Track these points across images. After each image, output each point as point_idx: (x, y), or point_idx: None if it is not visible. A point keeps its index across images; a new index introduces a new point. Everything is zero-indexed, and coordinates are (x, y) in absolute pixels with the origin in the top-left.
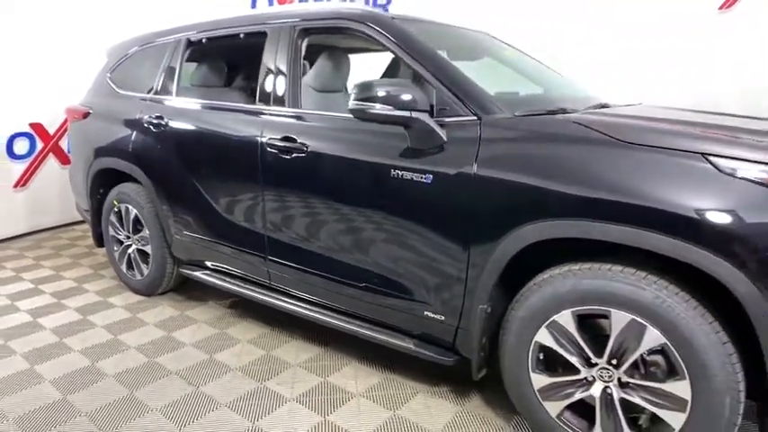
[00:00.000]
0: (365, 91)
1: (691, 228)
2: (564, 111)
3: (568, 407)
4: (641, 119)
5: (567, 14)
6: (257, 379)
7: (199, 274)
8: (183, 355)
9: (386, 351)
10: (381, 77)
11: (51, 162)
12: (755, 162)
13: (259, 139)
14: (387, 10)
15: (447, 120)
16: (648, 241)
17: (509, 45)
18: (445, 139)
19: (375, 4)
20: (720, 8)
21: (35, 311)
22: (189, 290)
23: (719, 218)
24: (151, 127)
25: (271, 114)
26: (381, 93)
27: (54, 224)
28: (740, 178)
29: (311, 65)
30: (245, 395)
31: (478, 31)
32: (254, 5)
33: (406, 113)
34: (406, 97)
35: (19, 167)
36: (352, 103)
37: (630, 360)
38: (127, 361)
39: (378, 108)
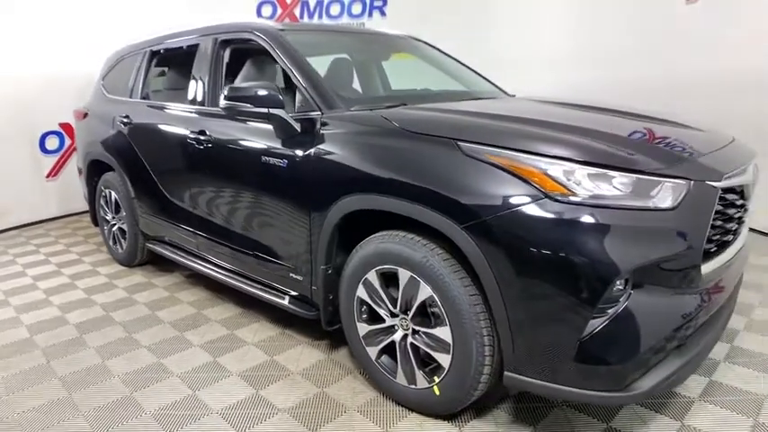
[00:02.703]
0: (233, 92)
1: (436, 199)
2: (404, 104)
3: (384, 351)
4: (443, 111)
5: None
6: (179, 330)
7: (158, 247)
8: (133, 311)
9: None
10: None
11: None
12: (488, 145)
13: (185, 133)
14: (384, 12)
15: (306, 114)
16: (411, 211)
17: (432, 46)
18: (299, 130)
19: (372, 5)
20: None
21: (38, 277)
22: (163, 263)
23: (456, 191)
24: (122, 125)
25: (194, 113)
26: (244, 93)
27: (81, 209)
28: (474, 159)
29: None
30: (163, 341)
31: (398, 35)
32: (258, 13)
33: (264, 110)
34: (263, 97)
35: (50, 161)
36: (222, 102)
37: (413, 310)
38: (89, 314)
39: (242, 106)
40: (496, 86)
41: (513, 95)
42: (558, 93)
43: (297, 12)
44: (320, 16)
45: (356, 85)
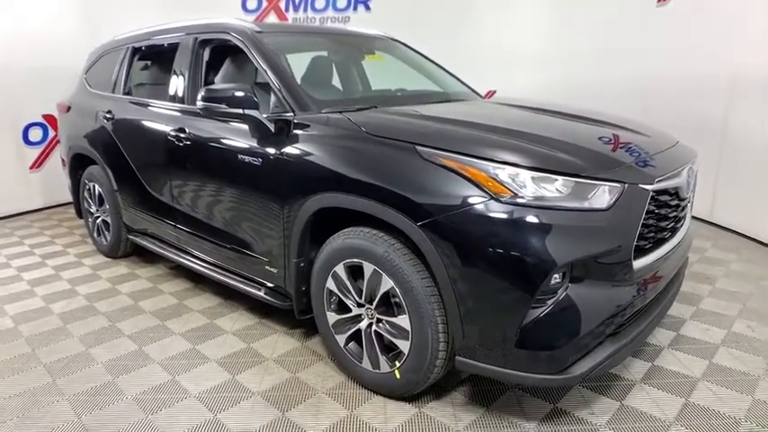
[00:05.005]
0: (209, 92)
1: (396, 199)
2: (375, 107)
3: (351, 338)
4: (406, 116)
5: None
6: (161, 319)
7: (140, 240)
8: (116, 301)
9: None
10: None
11: None
12: (442, 149)
13: (165, 129)
14: (368, 6)
15: (280, 115)
16: (374, 209)
17: (409, 47)
18: (273, 130)
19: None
20: None
21: (22, 268)
22: (147, 255)
23: (413, 191)
24: (104, 120)
25: (175, 111)
26: (220, 95)
27: (65, 201)
28: (430, 162)
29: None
30: (146, 329)
31: (377, 36)
32: (244, 7)
33: (239, 110)
34: (238, 98)
35: (34, 152)
36: (198, 103)
37: (377, 300)
38: (72, 304)
39: (218, 107)
40: (469, 87)
41: (482, 97)
42: (536, 91)
43: (282, 5)
44: (305, 9)
45: (337, 83)
